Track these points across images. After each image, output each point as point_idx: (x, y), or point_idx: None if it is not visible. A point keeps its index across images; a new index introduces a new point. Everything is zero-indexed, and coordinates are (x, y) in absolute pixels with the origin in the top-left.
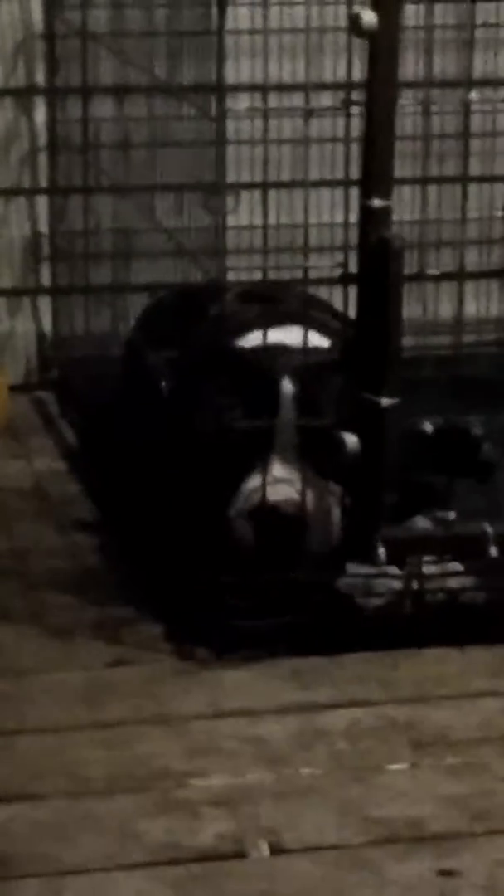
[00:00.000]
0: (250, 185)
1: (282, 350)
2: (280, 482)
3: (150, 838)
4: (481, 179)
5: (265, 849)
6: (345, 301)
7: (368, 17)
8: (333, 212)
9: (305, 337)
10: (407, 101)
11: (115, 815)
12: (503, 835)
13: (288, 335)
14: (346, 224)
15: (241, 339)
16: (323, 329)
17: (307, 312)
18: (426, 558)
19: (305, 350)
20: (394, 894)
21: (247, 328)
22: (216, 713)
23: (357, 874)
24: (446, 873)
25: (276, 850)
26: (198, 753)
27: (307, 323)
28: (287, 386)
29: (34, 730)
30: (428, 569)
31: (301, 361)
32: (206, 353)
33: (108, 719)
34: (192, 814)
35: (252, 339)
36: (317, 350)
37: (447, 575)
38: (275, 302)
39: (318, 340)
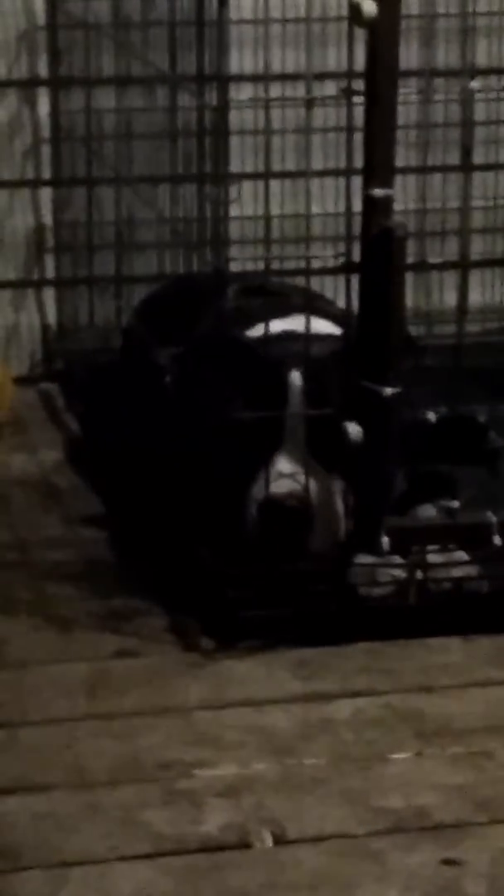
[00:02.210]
0: (252, 176)
1: (291, 340)
2: (286, 475)
3: (153, 829)
4: (484, 168)
5: (269, 839)
6: (347, 290)
7: (368, 7)
8: (337, 201)
9: (311, 326)
10: (409, 90)
11: (118, 805)
12: None
13: (297, 325)
14: (348, 213)
15: (249, 330)
16: (332, 318)
17: (314, 302)
18: (430, 547)
19: (315, 339)
20: (397, 884)
21: (255, 319)
22: (220, 704)
23: (361, 864)
24: (450, 863)
25: (280, 840)
26: (202, 744)
27: (316, 312)
28: (296, 378)
29: (38, 721)
30: (432, 558)
31: (311, 351)
32: (213, 345)
33: (113, 710)
34: (196, 804)
35: (260, 331)
36: (327, 338)
37: (451, 564)
38: (278, 295)
39: (329, 328)
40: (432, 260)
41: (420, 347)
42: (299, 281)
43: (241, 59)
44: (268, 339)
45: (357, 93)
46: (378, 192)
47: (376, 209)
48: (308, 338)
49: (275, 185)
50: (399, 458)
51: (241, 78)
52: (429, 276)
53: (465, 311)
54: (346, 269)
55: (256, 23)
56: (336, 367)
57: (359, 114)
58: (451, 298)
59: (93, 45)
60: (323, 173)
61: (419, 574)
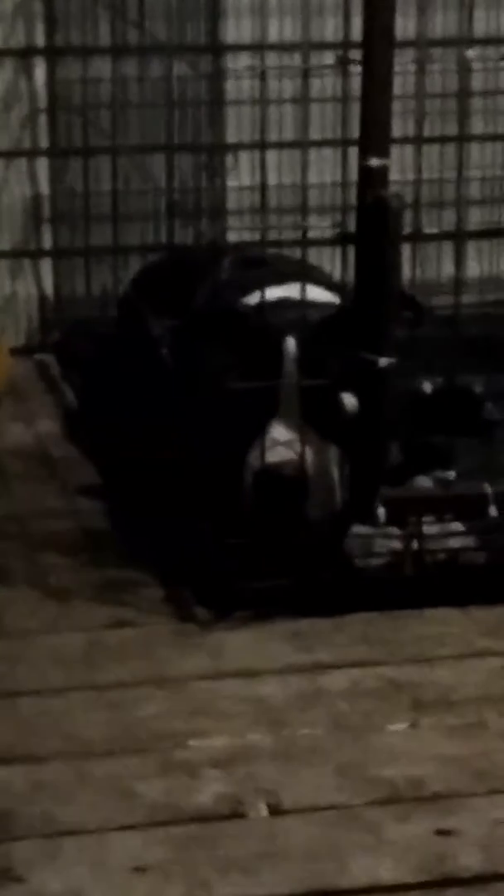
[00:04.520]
0: (248, 146)
1: (286, 307)
2: (281, 443)
3: (148, 799)
4: (481, 138)
5: (264, 809)
6: (343, 261)
7: None
8: (334, 171)
9: (307, 294)
10: (406, 60)
11: (114, 775)
12: (502, 794)
13: (292, 293)
14: (343, 184)
15: (245, 299)
16: (329, 287)
17: (310, 272)
18: (426, 518)
19: (311, 306)
20: (392, 854)
21: (250, 288)
22: (216, 674)
23: (356, 834)
24: (445, 833)
25: (275, 810)
26: (197, 714)
27: (312, 281)
28: (291, 345)
29: (34, 691)
30: (428, 529)
31: (306, 319)
32: (208, 314)
33: (108, 681)
34: (191, 774)
35: (256, 299)
36: (323, 306)
37: (448, 535)
38: (274, 265)
39: (325, 296)
40: (428, 230)
41: (423, 309)
42: (295, 251)
43: (238, 29)
44: (263, 306)
45: (354, 62)
46: (374, 162)
47: (372, 179)
48: (303, 305)
49: (271, 155)
50: (395, 429)
51: (237, 47)
52: (425, 247)
53: (462, 281)
54: (342, 239)
55: None
56: (331, 332)
57: (356, 84)
58: (448, 269)
59: (89, 15)
60: (319, 143)
61: (415, 545)
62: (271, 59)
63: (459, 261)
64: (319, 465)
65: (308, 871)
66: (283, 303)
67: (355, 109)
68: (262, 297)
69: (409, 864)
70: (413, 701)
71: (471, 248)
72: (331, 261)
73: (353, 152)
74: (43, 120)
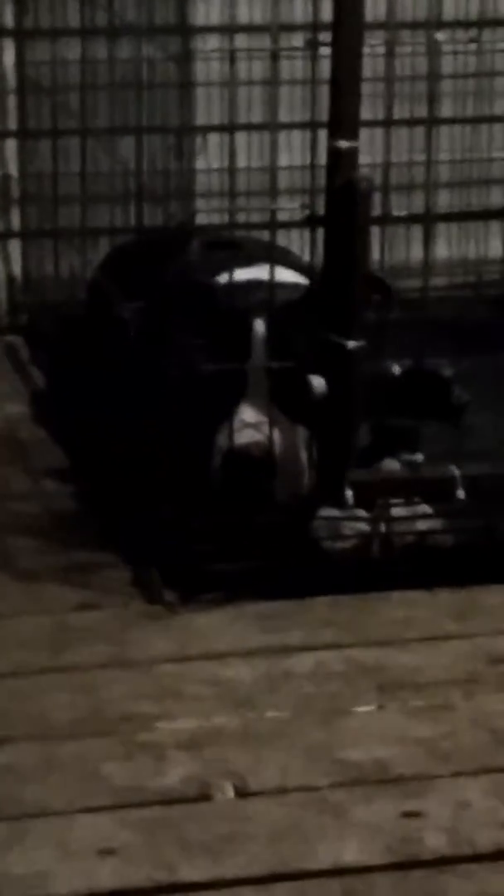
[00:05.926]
0: (217, 128)
1: (255, 288)
2: (250, 426)
3: (115, 781)
4: (450, 121)
5: (230, 791)
6: (312, 244)
7: None
8: (303, 154)
9: (276, 276)
10: (375, 42)
11: (80, 758)
12: (468, 777)
13: (261, 274)
14: (312, 166)
15: (214, 280)
16: (298, 269)
17: (278, 253)
18: (394, 501)
19: (280, 287)
20: (358, 836)
21: (218, 269)
22: (183, 657)
23: (322, 816)
24: (411, 815)
25: (242, 792)
26: (164, 697)
27: (281, 263)
28: (259, 327)
29: (0, 674)
30: (396, 511)
31: (274, 300)
32: (176, 294)
33: (75, 663)
34: (157, 757)
35: (224, 280)
36: (292, 287)
37: (415, 518)
38: (240, 247)
39: (294, 278)
40: (398, 213)
41: (392, 292)
42: (264, 234)
43: (207, 11)
44: (232, 288)
45: (323, 44)
46: (343, 144)
47: (342, 162)
48: (272, 286)
49: (240, 137)
50: (363, 412)
51: (206, 29)
52: (394, 230)
53: (431, 264)
54: (311, 221)
55: None
56: (300, 314)
57: (325, 66)
58: (417, 252)
59: None
60: (289, 126)
61: (383, 527)
62: (240, 41)
63: (428, 243)
64: (287, 448)
65: (274, 853)
66: (251, 285)
67: (325, 92)
68: (231, 278)
69: (374, 845)
70: (379, 683)
71: (440, 230)
72: (300, 243)
73: (323, 135)
74: (12, 101)
